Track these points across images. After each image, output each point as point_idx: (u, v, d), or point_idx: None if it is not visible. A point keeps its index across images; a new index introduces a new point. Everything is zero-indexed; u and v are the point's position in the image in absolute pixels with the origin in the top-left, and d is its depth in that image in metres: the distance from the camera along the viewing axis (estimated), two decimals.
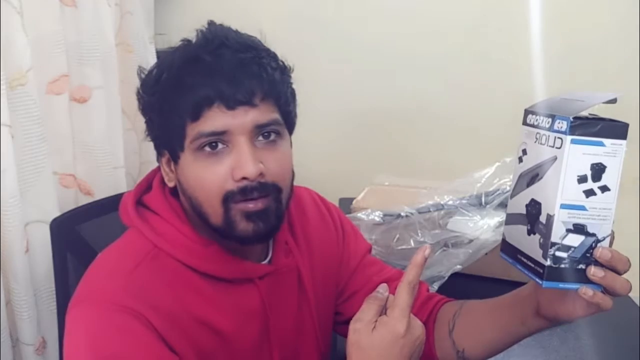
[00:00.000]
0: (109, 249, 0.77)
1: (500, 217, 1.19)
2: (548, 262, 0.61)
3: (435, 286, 1.16)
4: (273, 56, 0.74)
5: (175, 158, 0.74)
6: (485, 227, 1.17)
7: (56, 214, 1.12)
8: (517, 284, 1.15)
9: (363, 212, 1.24)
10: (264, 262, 0.80)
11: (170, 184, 0.77)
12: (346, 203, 1.37)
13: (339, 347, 1.03)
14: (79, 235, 1.05)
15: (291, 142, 0.79)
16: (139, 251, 0.74)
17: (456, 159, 1.50)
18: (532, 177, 0.64)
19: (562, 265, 0.61)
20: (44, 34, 1.16)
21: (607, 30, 1.35)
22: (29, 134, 1.13)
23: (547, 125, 0.61)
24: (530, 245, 0.64)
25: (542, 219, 0.62)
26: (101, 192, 1.29)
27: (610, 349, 1.04)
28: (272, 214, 0.71)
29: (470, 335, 0.83)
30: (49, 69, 1.18)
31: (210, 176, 0.70)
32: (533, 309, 0.74)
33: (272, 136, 0.72)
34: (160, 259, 0.73)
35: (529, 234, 0.65)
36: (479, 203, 1.21)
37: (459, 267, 1.16)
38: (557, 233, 0.61)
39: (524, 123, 0.66)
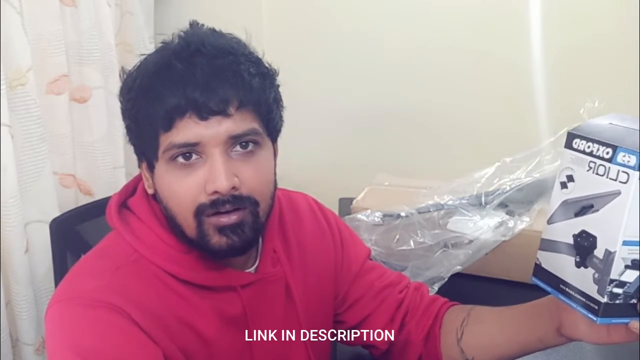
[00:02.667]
0: (90, 252, 0.76)
1: (500, 217, 1.19)
2: (605, 299, 0.60)
3: (436, 287, 1.16)
4: (254, 61, 0.70)
5: (151, 167, 0.72)
6: (485, 227, 1.17)
7: (56, 214, 1.12)
8: (517, 284, 1.14)
9: (363, 213, 1.23)
10: (250, 270, 0.78)
11: (150, 191, 0.75)
12: (346, 203, 1.37)
13: (339, 354, 1.02)
14: (78, 235, 1.05)
15: (275, 150, 0.76)
16: (120, 254, 0.72)
17: (456, 159, 1.50)
18: (582, 207, 0.62)
19: (617, 301, 0.60)
20: (44, 34, 1.16)
21: (608, 30, 1.34)
22: (29, 134, 1.13)
23: (607, 156, 0.59)
24: (580, 278, 0.62)
25: (599, 253, 0.60)
26: (101, 192, 1.29)
27: (610, 349, 1.04)
28: (247, 227, 0.69)
29: (481, 346, 0.81)
30: (49, 69, 1.18)
31: (182, 188, 0.68)
32: (554, 327, 0.72)
33: (250, 146, 0.69)
34: (141, 262, 0.72)
35: (577, 266, 0.62)
36: (479, 203, 1.20)
37: (459, 267, 1.16)
38: (617, 270, 0.59)
39: (569, 147, 0.64)
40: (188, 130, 0.66)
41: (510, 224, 1.17)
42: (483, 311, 0.84)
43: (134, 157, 0.76)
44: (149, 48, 1.46)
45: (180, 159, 0.67)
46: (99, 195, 1.29)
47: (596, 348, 1.03)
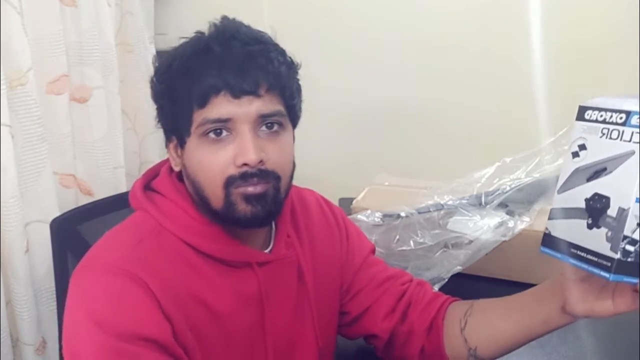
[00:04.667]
0: (114, 228, 0.79)
1: (500, 217, 1.19)
2: (618, 255, 0.61)
3: (436, 287, 1.15)
4: (281, 51, 0.77)
5: (182, 143, 0.76)
6: (485, 227, 1.17)
7: (56, 214, 1.12)
8: (517, 284, 1.14)
9: (363, 213, 1.23)
10: (265, 252, 0.82)
11: (177, 168, 0.80)
12: (346, 203, 1.37)
13: (342, 351, 1.03)
14: (79, 235, 1.05)
15: (294, 136, 0.81)
16: (143, 228, 0.76)
17: (456, 159, 1.50)
18: (595, 171, 0.64)
19: (629, 259, 0.61)
20: (44, 34, 1.16)
21: (608, 29, 1.34)
22: (29, 134, 1.13)
23: (621, 121, 0.61)
24: (592, 239, 0.64)
25: (612, 212, 0.61)
26: (101, 192, 1.30)
27: (610, 349, 1.04)
28: (270, 199, 0.74)
29: (484, 335, 0.82)
30: (49, 69, 1.18)
31: (213, 161, 0.73)
32: (558, 307, 0.73)
33: (275, 127, 0.75)
34: (163, 236, 0.76)
35: (590, 227, 0.64)
36: (478, 203, 1.20)
37: (459, 267, 1.16)
38: (630, 226, 0.60)
39: (580, 119, 0.66)
40: (221, 107, 0.72)
41: (510, 224, 1.17)
42: (486, 301, 0.85)
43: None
44: (149, 48, 1.46)
45: (212, 135, 0.73)
46: (99, 195, 1.29)
47: (596, 348, 1.04)
